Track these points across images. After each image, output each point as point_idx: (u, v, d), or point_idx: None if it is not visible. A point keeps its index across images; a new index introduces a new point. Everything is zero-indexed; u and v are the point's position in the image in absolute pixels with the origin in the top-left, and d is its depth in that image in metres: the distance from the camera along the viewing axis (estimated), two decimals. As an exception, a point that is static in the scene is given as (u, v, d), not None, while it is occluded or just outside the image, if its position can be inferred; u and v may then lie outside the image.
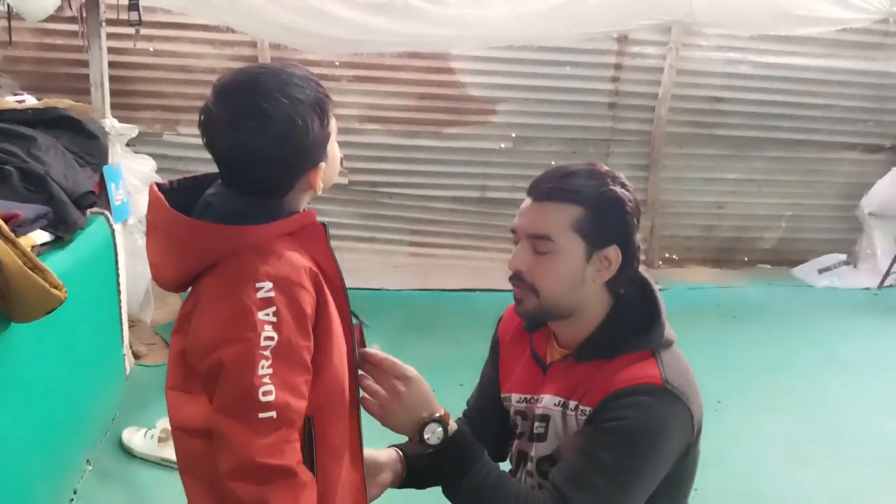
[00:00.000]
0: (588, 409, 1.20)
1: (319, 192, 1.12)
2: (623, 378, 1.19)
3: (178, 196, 1.07)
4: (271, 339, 0.97)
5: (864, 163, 4.68)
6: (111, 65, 2.75)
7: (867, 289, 4.50)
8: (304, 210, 1.11)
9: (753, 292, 4.39)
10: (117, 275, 2.59)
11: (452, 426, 1.21)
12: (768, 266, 4.79)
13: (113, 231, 2.52)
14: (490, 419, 1.43)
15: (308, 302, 1.01)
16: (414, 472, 1.34)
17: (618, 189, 1.22)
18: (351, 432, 1.11)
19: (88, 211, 2.35)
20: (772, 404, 3.02)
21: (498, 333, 1.44)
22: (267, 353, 0.97)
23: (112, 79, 2.76)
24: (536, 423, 1.29)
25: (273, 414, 0.96)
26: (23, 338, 1.79)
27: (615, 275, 1.23)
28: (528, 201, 1.24)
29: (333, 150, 1.12)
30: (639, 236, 1.25)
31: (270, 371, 0.97)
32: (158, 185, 1.09)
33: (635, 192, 1.26)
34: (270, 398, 0.96)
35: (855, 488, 2.50)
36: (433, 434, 1.17)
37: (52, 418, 2.00)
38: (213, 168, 1.12)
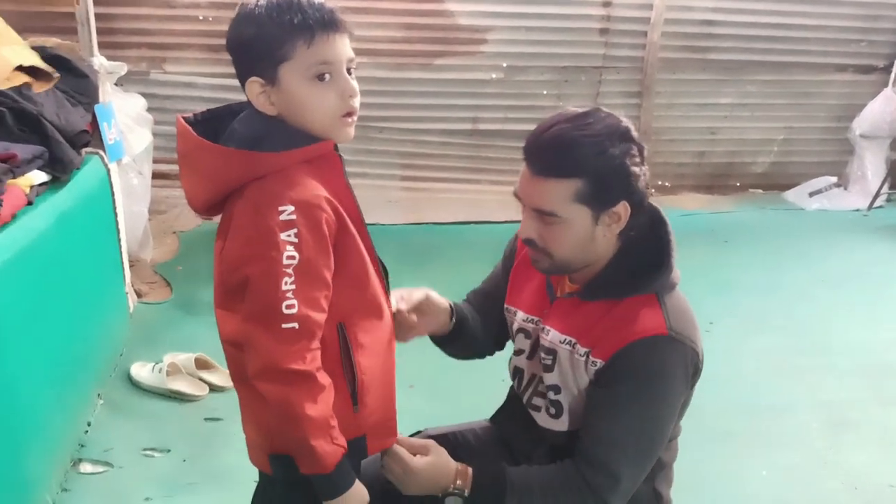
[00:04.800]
0: (599, 361, 1.24)
1: (269, 112, 1.11)
2: (630, 332, 1.22)
3: (205, 126, 1.14)
4: (293, 258, 1.06)
5: (855, 84, 4.67)
6: (95, 2, 2.70)
7: (857, 210, 4.56)
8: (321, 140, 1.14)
9: (745, 217, 4.43)
10: (115, 214, 2.60)
11: (467, 480, 1.29)
12: (760, 191, 4.82)
13: (108, 170, 2.52)
14: (491, 310, 1.48)
15: (327, 223, 1.09)
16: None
17: (616, 149, 1.18)
18: (380, 331, 1.21)
19: (83, 150, 2.35)
20: (762, 323, 3.11)
21: (516, 245, 1.46)
22: (290, 270, 1.06)
23: (96, 17, 2.72)
24: (543, 355, 1.33)
25: (295, 325, 1.06)
26: (28, 277, 1.83)
27: (627, 224, 1.25)
28: (526, 171, 1.23)
29: (304, 91, 1.09)
30: (645, 171, 1.23)
31: (293, 287, 1.06)
32: (184, 116, 1.15)
33: (630, 123, 1.23)
34: (293, 311, 1.05)
35: (842, 398, 2.61)
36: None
37: (62, 355, 2.05)
38: (203, 107, 1.19)
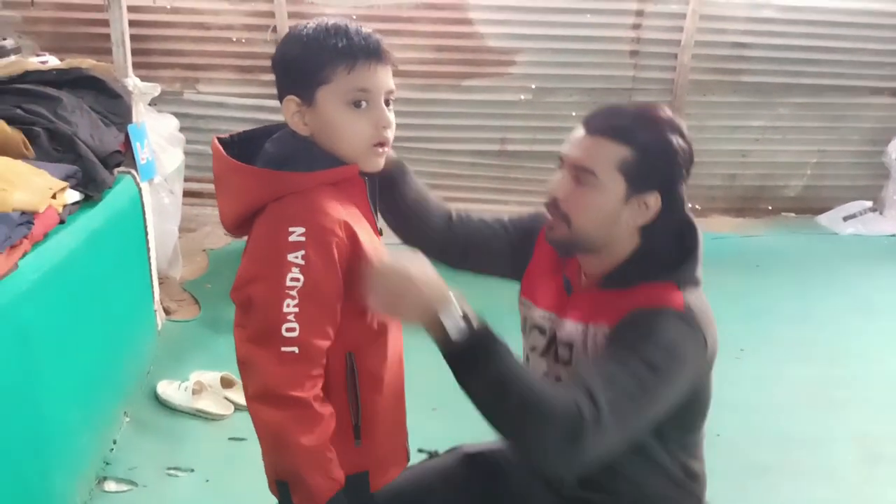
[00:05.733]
0: (607, 326, 1.21)
1: (301, 132, 1.11)
2: (645, 299, 1.19)
3: (241, 147, 1.16)
4: (297, 279, 1.04)
5: (891, 107, 4.58)
6: (130, 24, 2.75)
7: (893, 235, 4.46)
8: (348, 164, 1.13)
9: (777, 241, 4.36)
10: (146, 232, 2.63)
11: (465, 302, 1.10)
12: (792, 214, 4.74)
13: (140, 189, 2.56)
14: (481, 234, 1.44)
15: (338, 247, 1.07)
16: None
17: (674, 138, 1.21)
18: (392, 363, 1.18)
19: (115, 170, 2.38)
20: (795, 351, 3.03)
21: (538, 236, 1.42)
22: (293, 293, 1.04)
23: (131, 38, 2.77)
24: (560, 349, 1.30)
25: (295, 349, 1.04)
26: (59, 295, 1.85)
27: (651, 221, 1.23)
28: (580, 131, 1.24)
29: (338, 116, 1.09)
30: (686, 178, 1.24)
31: (296, 310, 1.04)
32: (219, 138, 1.17)
33: (693, 141, 1.24)
34: (294, 335, 1.04)
35: (878, 431, 2.53)
36: (451, 318, 1.06)
37: (91, 373, 2.06)
38: (234, 127, 1.21)
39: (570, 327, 1.28)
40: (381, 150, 1.14)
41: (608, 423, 1.07)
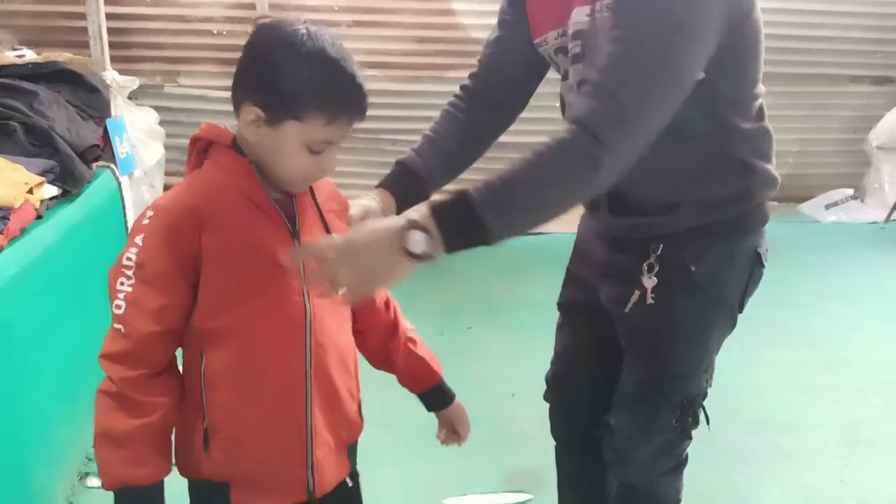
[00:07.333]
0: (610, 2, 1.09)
1: (248, 139, 1.06)
2: None
3: None
4: (130, 259, 1.04)
5: (871, 95, 4.63)
6: (108, 16, 2.73)
7: (874, 223, 4.50)
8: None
9: (761, 229, 4.38)
10: (126, 227, 2.61)
11: (424, 212, 1.04)
12: (775, 203, 4.68)
13: (119, 184, 2.54)
14: (506, 78, 1.41)
15: (183, 232, 1.04)
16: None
17: None
18: (255, 377, 1.09)
19: (94, 164, 2.36)
20: (776, 337, 3.06)
21: None
22: (129, 272, 1.04)
23: (110, 31, 2.74)
24: (571, 44, 1.21)
25: (121, 327, 1.04)
26: (37, 291, 1.83)
27: None
28: None
29: (292, 153, 1.05)
30: None
31: (128, 289, 1.03)
32: None
33: None
34: (120, 311, 1.04)
35: (858, 415, 2.56)
36: (417, 243, 1.02)
37: (71, 368, 2.05)
38: (216, 120, 1.15)
39: (576, 14, 1.18)
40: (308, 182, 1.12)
41: (631, 123, 1.03)
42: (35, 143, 2.10)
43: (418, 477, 2.14)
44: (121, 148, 2.61)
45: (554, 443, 1.62)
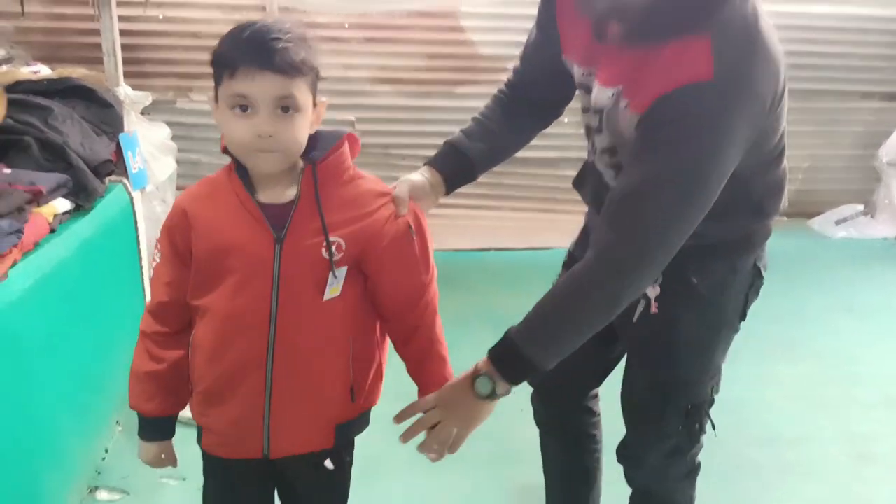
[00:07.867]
0: (637, 114, 1.14)
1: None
2: (668, 79, 1.08)
3: None
4: (157, 248, 1.29)
5: (882, 111, 4.61)
6: (122, 33, 2.76)
7: (885, 238, 4.48)
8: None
9: (770, 245, 4.33)
10: (138, 241, 2.63)
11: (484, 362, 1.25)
12: (784, 218, 4.73)
13: (132, 198, 2.56)
14: (540, 81, 1.47)
15: (173, 228, 1.25)
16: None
17: None
18: (219, 347, 1.26)
19: (107, 179, 2.39)
20: (786, 352, 3.05)
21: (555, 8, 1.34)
22: (157, 251, 1.29)
23: (123, 47, 2.77)
24: (592, 116, 1.29)
25: (149, 298, 1.34)
26: (49, 304, 1.85)
27: None
28: None
29: (222, 118, 1.16)
30: None
31: (157, 262, 1.29)
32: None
33: None
34: (148, 287, 1.35)
35: (868, 430, 2.55)
36: (485, 387, 1.23)
37: (82, 382, 2.07)
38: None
39: (598, 93, 1.23)
40: (263, 154, 1.14)
41: (650, 251, 1.14)
42: (49, 158, 2.12)
43: (424, 491, 2.15)
44: (133, 163, 2.64)
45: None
